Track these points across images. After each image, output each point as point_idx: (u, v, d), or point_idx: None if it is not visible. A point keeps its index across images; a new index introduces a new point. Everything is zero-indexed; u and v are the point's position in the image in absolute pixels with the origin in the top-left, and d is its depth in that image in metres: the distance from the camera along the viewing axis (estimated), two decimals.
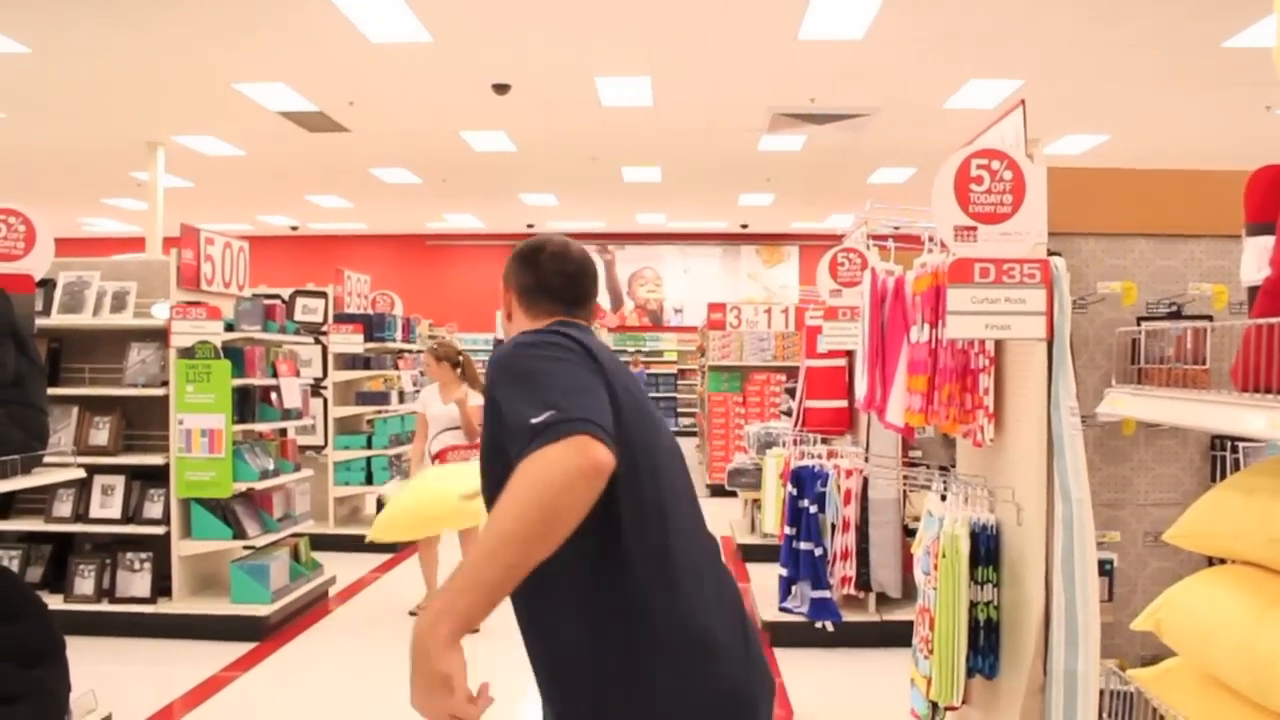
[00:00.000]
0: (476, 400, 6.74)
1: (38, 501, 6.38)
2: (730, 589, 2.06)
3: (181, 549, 6.35)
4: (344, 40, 9.42)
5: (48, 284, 6.26)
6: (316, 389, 9.02)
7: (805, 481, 5.94)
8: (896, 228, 5.58)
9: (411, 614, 6.90)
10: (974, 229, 3.15)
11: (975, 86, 10.83)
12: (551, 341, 1.93)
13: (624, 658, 1.85)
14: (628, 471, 1.83)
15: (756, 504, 8.71)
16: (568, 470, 1.61)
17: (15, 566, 6.18)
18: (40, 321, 5.71)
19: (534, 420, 1.68)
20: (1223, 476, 3.25)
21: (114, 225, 21.47)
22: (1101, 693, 2.84)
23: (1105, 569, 3.25)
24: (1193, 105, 11.48)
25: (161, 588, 6.33)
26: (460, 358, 6.89)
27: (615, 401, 1.84)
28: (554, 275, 2.18)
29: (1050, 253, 3.14)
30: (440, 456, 6.63)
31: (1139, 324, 3.13)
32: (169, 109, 12.20)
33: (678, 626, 1.87)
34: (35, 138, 13.38)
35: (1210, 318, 2.95)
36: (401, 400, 10.09)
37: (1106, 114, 12.08)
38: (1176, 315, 3.13)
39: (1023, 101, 3.39)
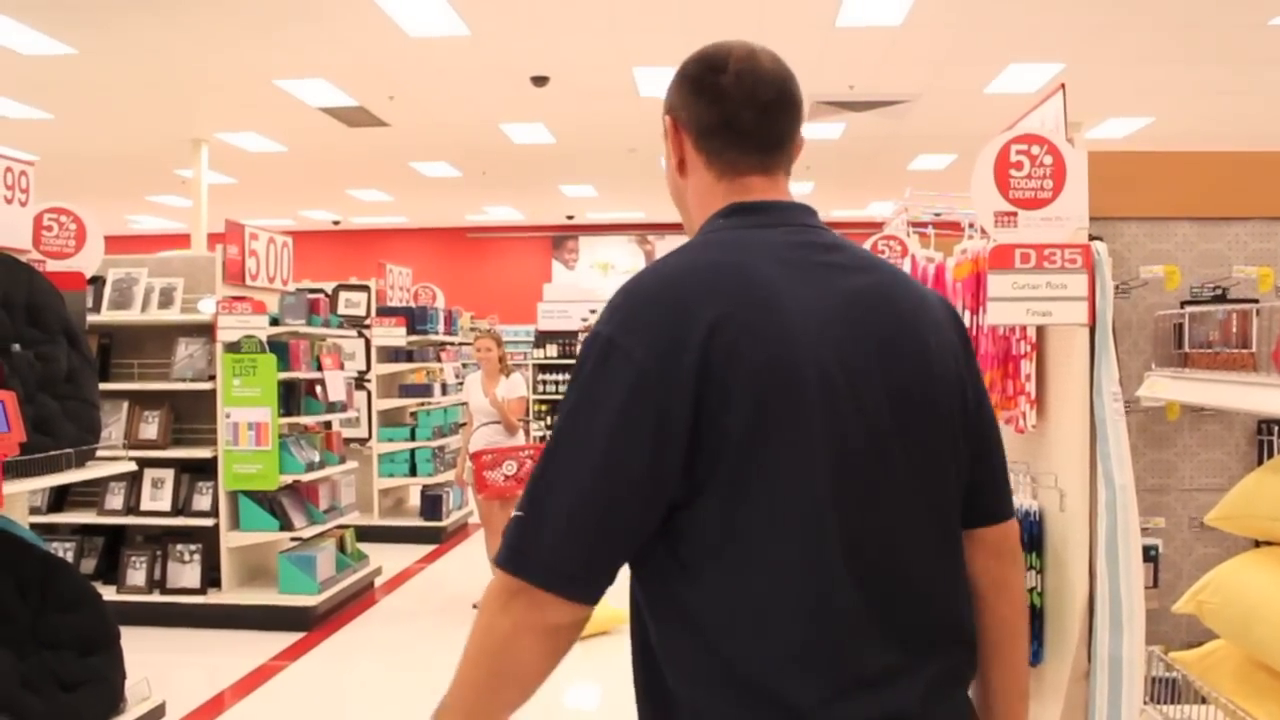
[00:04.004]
0: (510, 392, 6.78)
1: (91, 495, 6.49)
2: None
3: (230, 540, 6.44)
4: (382, 35, 9.48)
5: (97, 281, 6.37)
6: (360, 382, 9.11)
7: None
8: (937, 214, 5.56)
9: (475, 606, 6.94)
10: (1014, 214, 3.13)
11: (1016, 71, 10.72)
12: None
13: None
14: None
15: None
16: None
17: (70, 558, 6.29)
18: (91, 318, 5.81)
19: None
20: (1269, 460, 3.22)
21: (160, 222, 21.74)
22: (1146, 678, 2.82)
23: (1150, 555, 3.23)
24: (1239, 85, 11.29)
25: (211, 579, 6.43)
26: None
27: None
28: (745, 108, 1.47)
29: (1092, 237, 3.12)
30: (477, 458, 6.60)
31: (1183, 308, 3.11)
32: (212, 107, 12.34)
33: None
34: (82, 138, 13.58)
35: (1256, 300, 2.92)
36: (444, 392, 10.17)
37: (1150, 96, 11.90)
38: (1221, 299, 3.11)
39: (1063, 85, 3.37)
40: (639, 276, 1.39)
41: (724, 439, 1.27)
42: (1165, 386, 2.78)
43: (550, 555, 1.28)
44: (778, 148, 1.51)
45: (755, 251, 1.38)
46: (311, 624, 6.42)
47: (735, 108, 1.47)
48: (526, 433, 7.37)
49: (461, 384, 7.96)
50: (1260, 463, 3.29)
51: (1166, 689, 2.54)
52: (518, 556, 1.29)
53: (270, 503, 6.46)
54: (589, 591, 1.30)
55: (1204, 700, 2.30)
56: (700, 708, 1.31)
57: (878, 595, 1.33)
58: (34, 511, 6.26)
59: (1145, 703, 2.77)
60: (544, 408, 13.17)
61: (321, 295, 8.05)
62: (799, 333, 1.31)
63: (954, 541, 1.46)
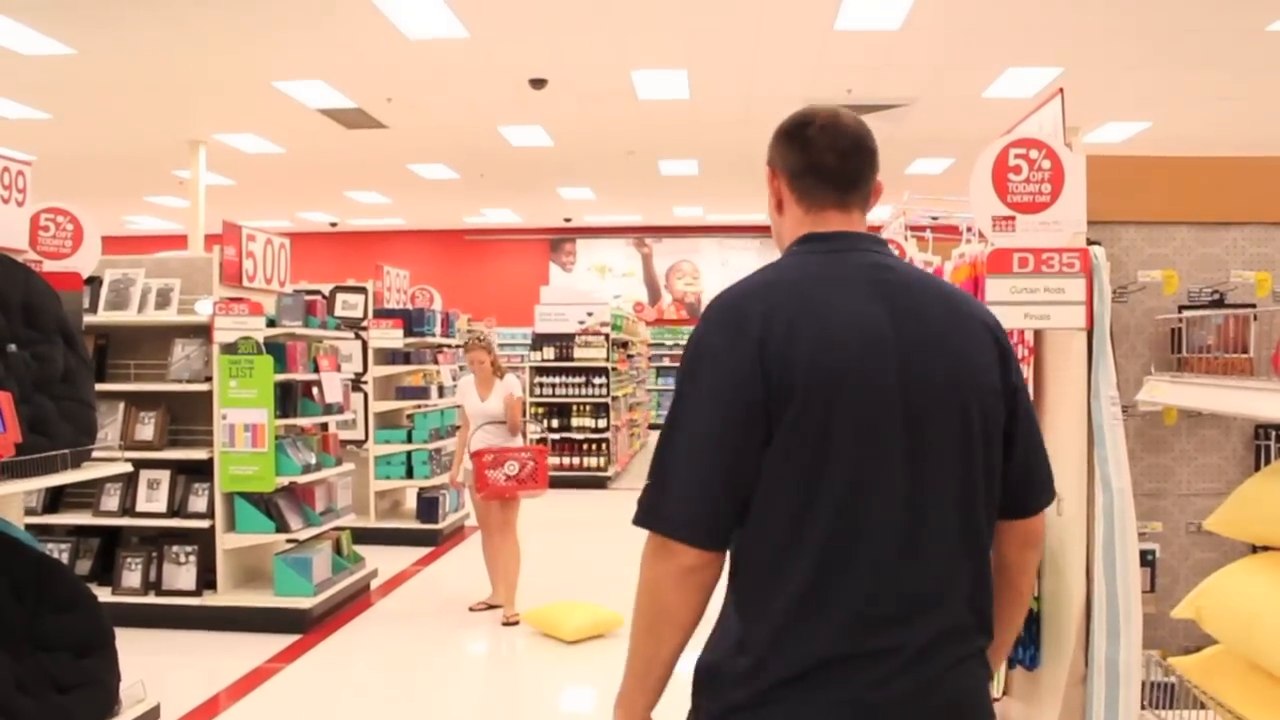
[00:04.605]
0: (512, 391, 6.80)
1: (86, 495, 6.48)
2: None
3: (226, 542, 6.43)
4: (381, 37, 9.48)
5: (94, 281, 6.35)
6: (357, 384, 9.10)
7: None
8: (934, 218, 5.56)
9: (471, 610, 6.94)
10: (1012, 219, 3.14)
11: (1014, 75, 10.74)
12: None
13: None
14: None
15: None
16: None
17: (65, 559, 6.28)
18: (87, 318, 5.81)
19: None
20: (1267, 465, 3.22)
21: (157, 223, 21.73)
22: (1143, 683, 2.82)
23: (1147, 559, 3.23)
24: (1237, 90, 11.32)
25: (206, 580, 6.41)
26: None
27: None
28: (827, 153, 1.81)
29: (1090, 242, 3.12)
30: (478, 457, 6.60)
31: (1180, 312, 3.11)
32: (210, 108, 12.34)
33: None
34: (80, 138, 13.58)
35: (1254, 305, 2.92)
36: (441, 395, 10.15)
37: (1148, 101, 11.93)
38: (1219, 304, 3.10)
39: (1061, 90, 3.37)
40: (722, 292, 1.76)
41: (778, 420, 1.61)
42: (1164, 391, 2.78)
43: (673, 511, 1.64)
44: (853, 187, 1.82)
45: (810, 270, 1.75)
46: (307, 626, 6.41)
47: (819, 153, 1.80)
48: (524, 433, 7.36)
49: (458, 387, 7.96)
50: (1258, 468, 3.28)
51: (1164, 694, 2.53)
52: (650, 516, 1.67)
53: (266, 505, 6.45)
54: (707, 537, 1.63)
55: (1202, 706, 2.29)
56: (741, 621, 1.67)
57: (899, 566, 1.62)
58: (29, 512, 6.25)
59: (1143, 708, 2.76)
60: (540, 410, 13.14)
61: (319, 297, 8.04)
62: (834, 333, 1.64)
63: (980, 525, 1.71)
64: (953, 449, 1.67)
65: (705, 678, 1.72)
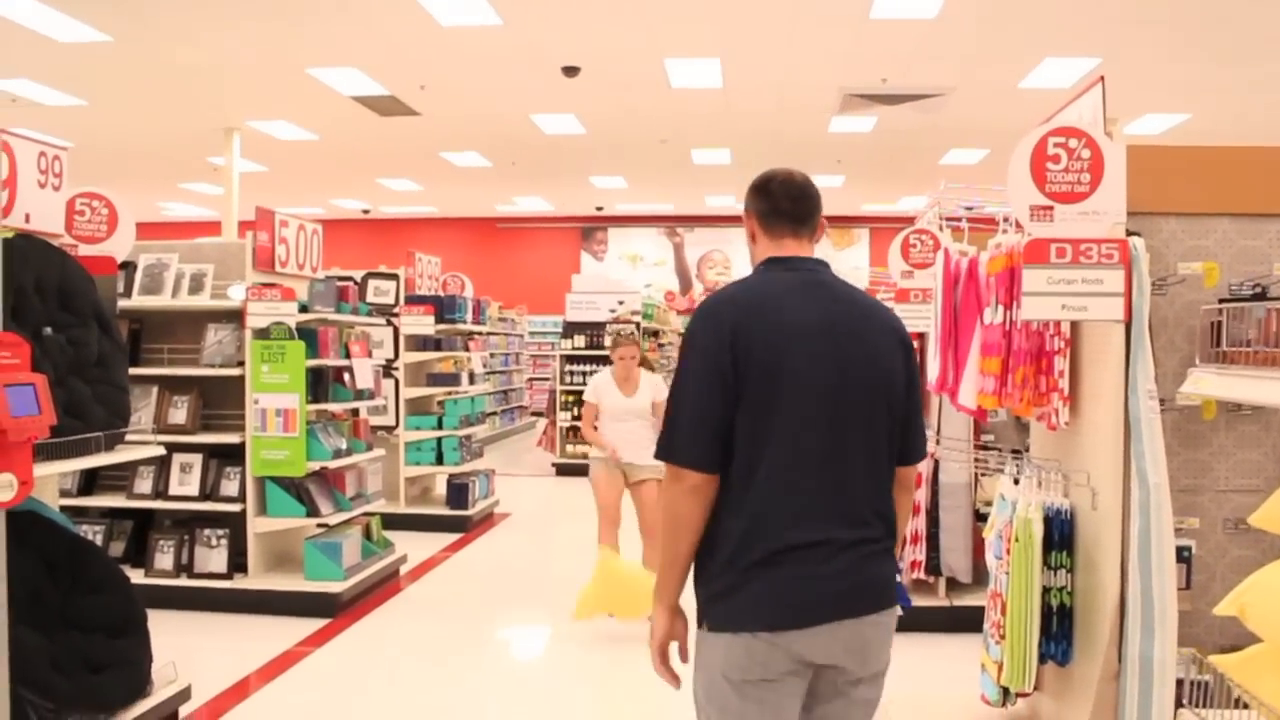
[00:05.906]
0: (659, 394, 6.52)
1: (120, 479, 6.53)
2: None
3: (257, 526, 6.47)
4: (415, 24, 9.49)
5: (128, 266, 6.39)
6: (388, 370, 9.13)
7: None
8: (970, 209, 5.52)
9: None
10: (1051, 208, 3.10)
11: (1051, 65, 10.62)
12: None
13: None
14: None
15: None
16: None
17: (99, 541, 6.33)
18: (121, 303, 5.83)
19: None
20: None
21: (191, 209, 21.89)
22: (1179, 681, 2.79)
23: (1183, 556, 3.18)
24: (1278, 80, 11.14)
25: (237, 564, 6.45)
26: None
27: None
28: (784, 199, 2.55)
29: (1129, 233, 3.07)
30: None
31: (1221, 305, 3.06)
32: (244, 95, 12.41)
33: None
34: (116, 124, 13.70)
35: None
36: (472, 381, 10.17)
37: (1187, 92, 11.77)
38: (1261, 296, 3.05)
39: (1101, 78, 3.32)
40: (708, 297, 2.50)
41: (743, 384, 2.29)
42: (1209, 383, 2.74)
43: (681, 447, 2.32)
44: (803, 223, 2.54)
45: (770, 285, 2.46)
46: (337, 610, 6.44)
47: (779, 200, 2.54)
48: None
49: (490, 374, 7.88)
50: None
51: (1200, 692, 2.49)
52: (667, 451, 2.34)
53: (297, 489, 6.48)
54: (705, 464, 2.30)
55: (1244, 705, 2.26)
56: (723, 525, 2.32)
57: (827, 486, 2.31)
58: (64, 494, 6.30)
59: (1181, 705, 2.73)
60: (571, 398, 13.13)
61: (351, 283, 8.06)
62: (786, 328, 2.33)
63: (880, 463, 2.39)
64: (862, 413, 2.34)
65: (700, 568, 2.39)
